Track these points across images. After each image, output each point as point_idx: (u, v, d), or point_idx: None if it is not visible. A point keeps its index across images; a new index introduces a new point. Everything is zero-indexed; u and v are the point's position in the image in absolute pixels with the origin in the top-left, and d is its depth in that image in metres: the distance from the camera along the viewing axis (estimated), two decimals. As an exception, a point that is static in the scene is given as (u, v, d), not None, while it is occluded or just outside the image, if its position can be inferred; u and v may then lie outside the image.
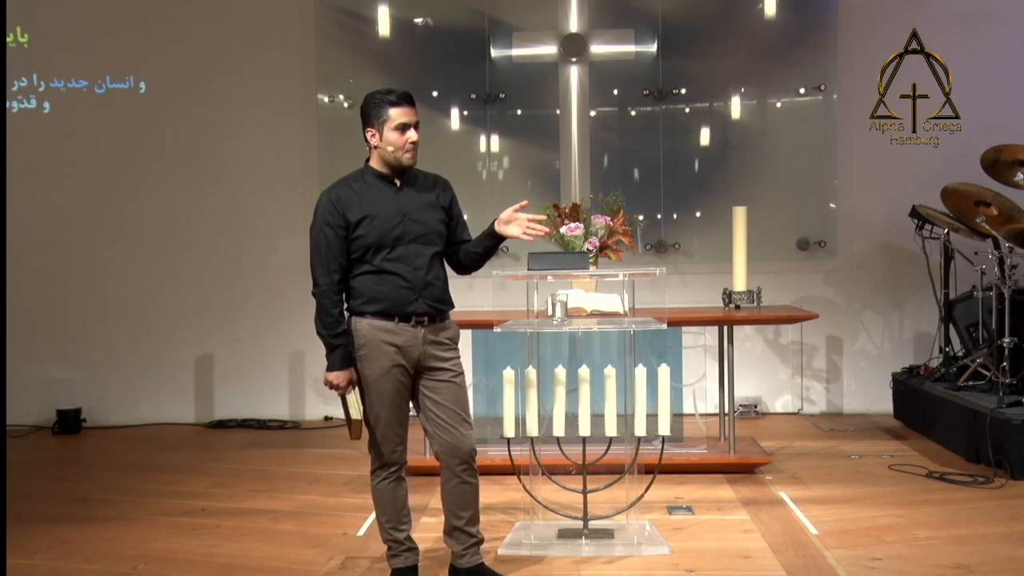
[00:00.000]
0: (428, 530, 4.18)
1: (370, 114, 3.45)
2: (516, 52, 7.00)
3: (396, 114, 3.42)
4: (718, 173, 7.09)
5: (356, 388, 3.48)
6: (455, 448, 3.48)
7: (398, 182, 3.50)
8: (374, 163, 3.51)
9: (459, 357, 3.57)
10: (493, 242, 3.62)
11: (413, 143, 3.44)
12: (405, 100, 3.43)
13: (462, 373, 3.55)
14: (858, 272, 7.06)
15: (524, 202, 3.62)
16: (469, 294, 5.84)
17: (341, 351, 3.42)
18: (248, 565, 3.93)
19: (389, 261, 3.42)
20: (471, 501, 3.55)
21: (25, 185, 6.63)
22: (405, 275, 3.42)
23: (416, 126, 3.46)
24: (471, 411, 3.63)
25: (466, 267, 3.67)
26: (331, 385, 3.44)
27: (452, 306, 3.58)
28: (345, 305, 3.47)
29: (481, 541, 3.61)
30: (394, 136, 3.43)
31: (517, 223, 3.58)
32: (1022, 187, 5.99)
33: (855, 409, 7.06)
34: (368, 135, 3.48)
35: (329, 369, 3.44)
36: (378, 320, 3.43)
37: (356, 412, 3.47)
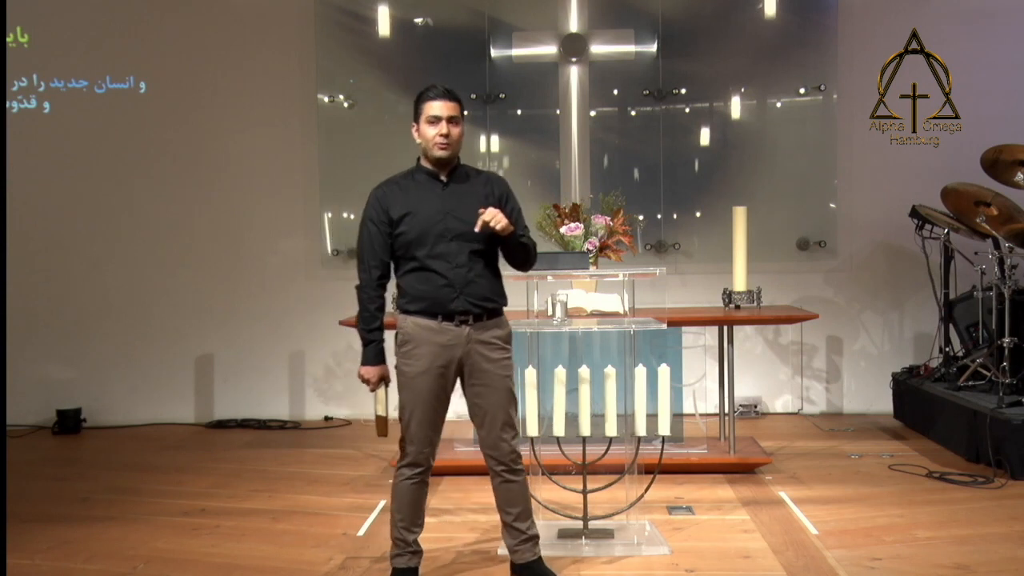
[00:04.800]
0: (427, 530, 4.16)
1: (415, 109, 3.49)
2: (516, 52, 6.99)
3: (429, 107, 3.44)
4: (718, 173, 7.09)
5: (387, 385, 3.49)
6: (493, 450, 3.51)
7: (444, 179, 3.50)
8: (423, 159, 3.52)
9: (509, 357, 3.51)
10: (503, 240, 3.52)
11: (443, 135, 3.42)
12: (442, 94, 3.45)
13: (510, 376, 3.50)
14: (858, 272, 7.06)
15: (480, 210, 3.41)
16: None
17: (374, 347, 3.45)
18: (248, 565, 3.93)
19: (431, 259, 3.41)
20: (517, 498, 3.56)
21: (25, 185, 6.63)
22: (445, 273, 3.40)
23: (453, 120, 3.44)
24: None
25: (513, 266, 3.62)
26: (363, 380, 3.47)
27: (502, 304, 3.53)
28: (391, 303, 3.46)
29: (534, 537, 3.60)
30: (426, 128, 3.45)
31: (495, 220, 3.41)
32: (1022, 187, 5.98)
33: (855, 409, 7.06)
34: (413, 130, 3.50)
35: (362, 364, 3.47)
36: (422, 319, 3.42)
37: (382, 409, 3.48)
